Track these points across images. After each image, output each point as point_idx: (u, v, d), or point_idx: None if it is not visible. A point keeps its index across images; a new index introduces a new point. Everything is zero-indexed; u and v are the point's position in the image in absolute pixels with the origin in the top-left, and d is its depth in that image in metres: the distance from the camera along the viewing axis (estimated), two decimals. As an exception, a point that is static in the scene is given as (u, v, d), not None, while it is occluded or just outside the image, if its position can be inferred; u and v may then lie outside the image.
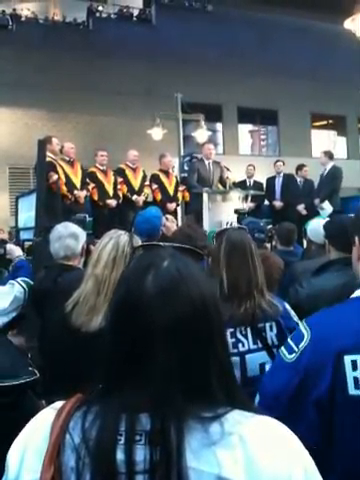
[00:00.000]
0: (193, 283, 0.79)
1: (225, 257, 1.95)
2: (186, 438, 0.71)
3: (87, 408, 0.77)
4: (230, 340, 1.85)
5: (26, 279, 2.88)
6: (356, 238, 1.26)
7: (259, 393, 1.25)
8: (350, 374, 1.08)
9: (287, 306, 2.04)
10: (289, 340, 1.22)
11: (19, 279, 2.85)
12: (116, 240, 2.04)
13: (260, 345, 1.89)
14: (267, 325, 1.92)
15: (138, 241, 2.09)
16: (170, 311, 0.75)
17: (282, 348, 1.23)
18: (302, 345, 1.16)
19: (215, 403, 0.75)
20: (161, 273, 0.79)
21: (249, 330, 1.90)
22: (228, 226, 2.58)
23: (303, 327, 1.20)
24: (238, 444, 0.71)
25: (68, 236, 2.66)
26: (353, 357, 1.09)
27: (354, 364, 1.09)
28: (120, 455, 0.71)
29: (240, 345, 1.87)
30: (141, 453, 0.70)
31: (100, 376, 0.80)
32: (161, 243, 0.90)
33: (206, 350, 0.77)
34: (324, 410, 1.09)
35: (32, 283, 2.86)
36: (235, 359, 1.82)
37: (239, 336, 1.88)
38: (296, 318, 1.98)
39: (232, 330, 1.87)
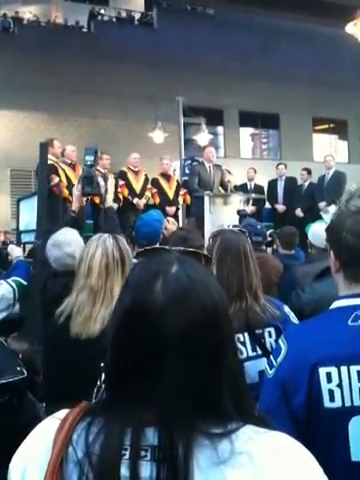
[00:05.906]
0: (204, 289, 0.74)
1: (217, 256, 1.91)
2: (194, 455, 0.67)
3: (91, 419, 0.73)
4: None
5: (17, 278, 2.84)
6: (331, 252, 1.24)
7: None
8: (325, 386, 1.06)
9: (287, 309, 1.97)
10: (271, 355, 1.21)
11: (10, 278, 2.82)
12: (103, 246, 1.98)
13: (259, 352, 1.83)
14: (266, 331, 1.86)
15: (123, 241, 2.05)
16: (181, 320, 0.71)
17: (265, 364, 1.21)
18: (280, 359, 1.15)
19: (226, 418, 0.71)
20: (170, 280, 0.74)
21: (247, 337, 1.84)
22: (226, 227, 2.55)
23: (281, 341, 1.19)
24: (247, 464, 0.67)
25: (66, 257, 2.66)
26: (328, 369, 1.07)
27: (329, 376, 1.07)
28: (124, 471, 0.67)
29: (238, 353, 1.83)
30: (147, 469, 0.67)
31: (105, 386, 0.77)
32: (166, 247, 0.84)
33: (218, 361, 0.73)
34: (300, 423, 1.07)
35: (25, 283, 2.82)
36: None
37: (237, 344, 1.84)
38: (296, 321, 1.92)
39: None
